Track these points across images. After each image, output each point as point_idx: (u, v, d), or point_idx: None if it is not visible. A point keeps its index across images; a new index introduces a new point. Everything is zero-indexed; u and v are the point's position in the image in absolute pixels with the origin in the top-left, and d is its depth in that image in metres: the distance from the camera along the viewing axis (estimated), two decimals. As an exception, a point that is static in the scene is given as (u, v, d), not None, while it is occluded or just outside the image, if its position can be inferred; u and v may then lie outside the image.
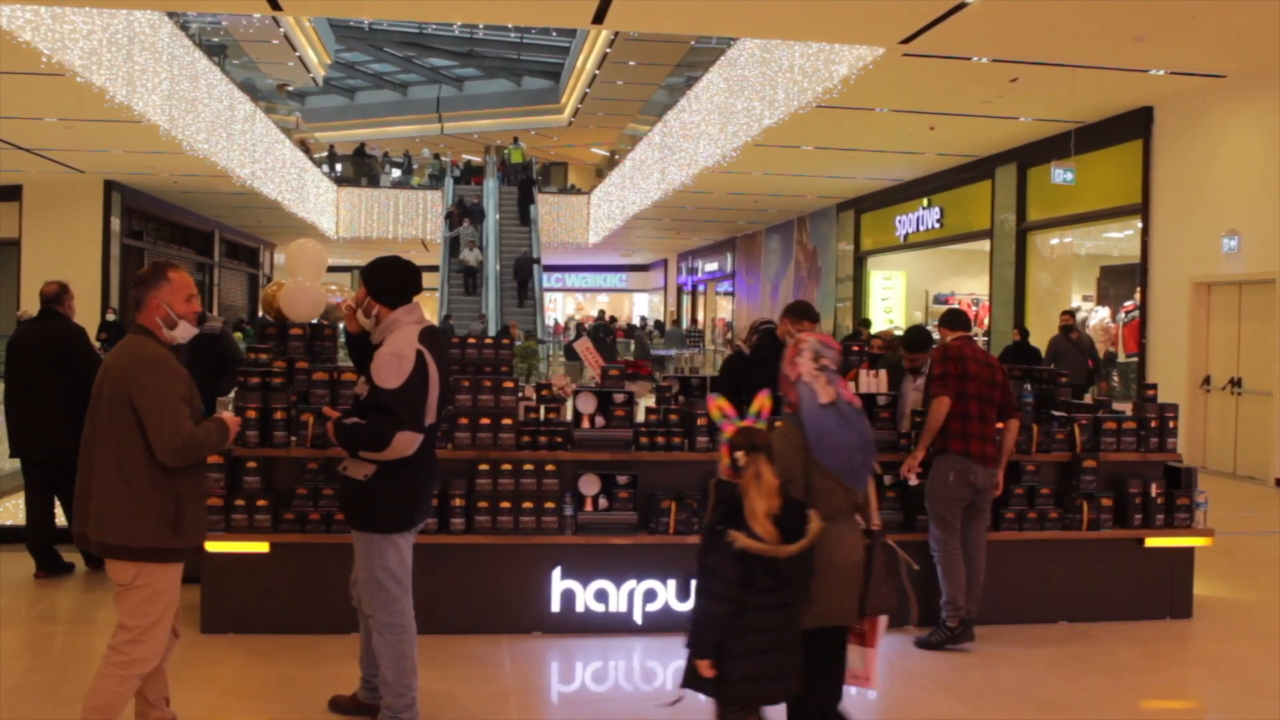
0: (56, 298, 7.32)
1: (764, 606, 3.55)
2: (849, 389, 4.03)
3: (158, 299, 4.08)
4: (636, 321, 37.37)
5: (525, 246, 28.88)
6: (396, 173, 33.46)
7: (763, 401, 3.78)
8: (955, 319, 6.43)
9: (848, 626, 3.88)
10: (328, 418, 4.51)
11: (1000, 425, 6.11)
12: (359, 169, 31.98)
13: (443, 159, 34.60)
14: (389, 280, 4.51)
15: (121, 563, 3.97)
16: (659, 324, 35.30)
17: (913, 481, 6.09)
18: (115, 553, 3.96)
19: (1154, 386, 7.05)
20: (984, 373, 6.06)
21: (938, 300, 22.83)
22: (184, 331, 4.14)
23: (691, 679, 3.59)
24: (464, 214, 28.66)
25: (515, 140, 33.80)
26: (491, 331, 23.82)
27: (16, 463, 7.56)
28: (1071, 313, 14.97)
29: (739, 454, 3.55)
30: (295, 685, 5.18)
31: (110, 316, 20.08)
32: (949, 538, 5.96)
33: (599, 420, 6.18)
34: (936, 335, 6.70)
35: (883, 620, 4.03)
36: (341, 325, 4.95)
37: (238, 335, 18.11)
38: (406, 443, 4.31)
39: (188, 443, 3.93)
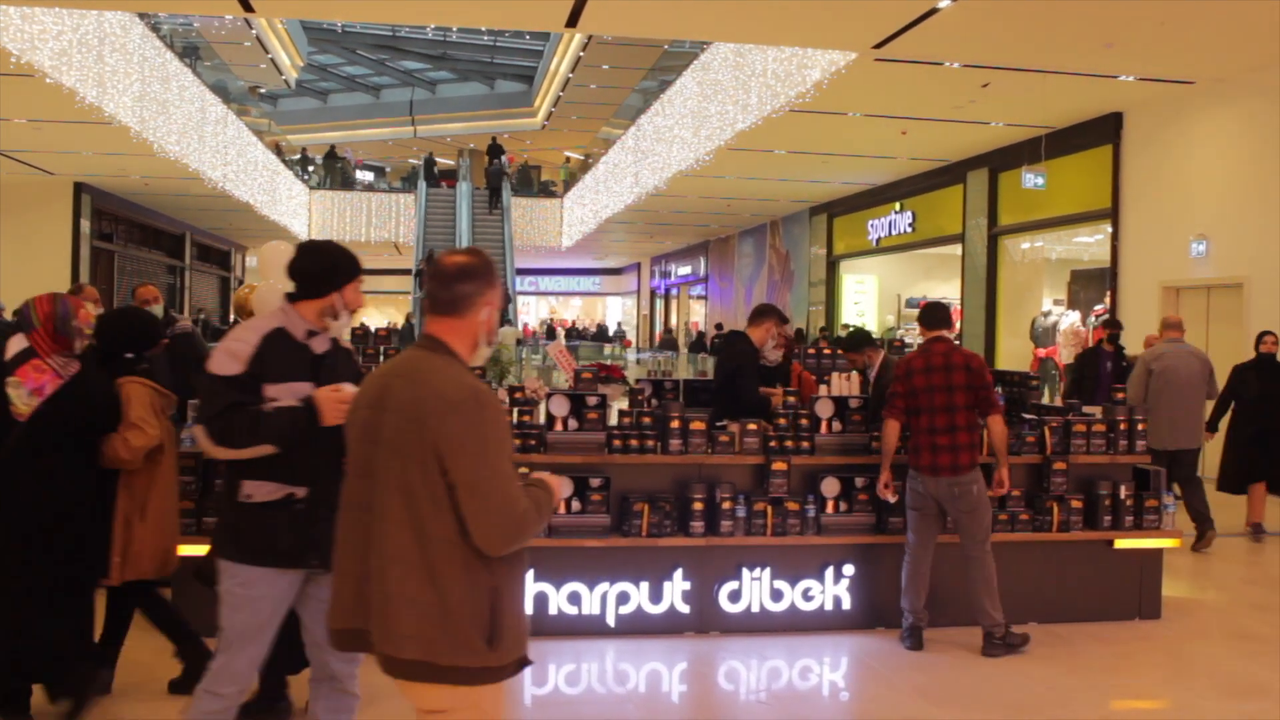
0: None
1: None
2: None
3: None
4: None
5: (498, 248, 28.60)
6: (369, 176, 33.21)
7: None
8: (932, 316, 6.27)
9: None
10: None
11: (960, 430, 5.94)
12: (330, 172, 31.69)
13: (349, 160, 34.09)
14: None
15: None
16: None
17: (891, 498, 6.17)
18: None
19: (1124, 389, 7.12)
20: (937, 380, 5.92)
21: (910, 304, 22.95)
22: None
23: None
24: None
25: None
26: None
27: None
28: None
29: None
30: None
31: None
32: (913, 548, 6.06)
33: (572, 423, 6.18)
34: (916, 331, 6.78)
35: None
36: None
37: None
38: None
39: None
